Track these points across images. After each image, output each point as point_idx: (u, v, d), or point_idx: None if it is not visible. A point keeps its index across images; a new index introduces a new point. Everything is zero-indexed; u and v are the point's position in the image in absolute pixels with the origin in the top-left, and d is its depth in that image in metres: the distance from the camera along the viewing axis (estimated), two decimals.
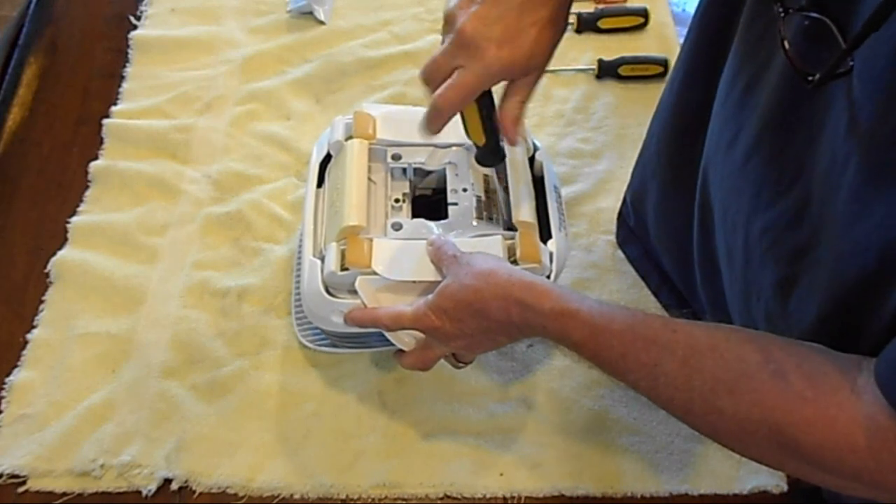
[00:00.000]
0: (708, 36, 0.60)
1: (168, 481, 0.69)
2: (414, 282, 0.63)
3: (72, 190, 0.85)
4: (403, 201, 0.70)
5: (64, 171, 0.87)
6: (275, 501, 0.68)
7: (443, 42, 0.57)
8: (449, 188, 0.69)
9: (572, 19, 1.02)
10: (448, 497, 0.69)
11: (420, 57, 0.99)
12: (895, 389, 0.39)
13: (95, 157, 0.87)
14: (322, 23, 1.01)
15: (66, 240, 0.81)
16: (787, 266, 0.52)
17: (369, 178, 0.68)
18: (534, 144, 0.73)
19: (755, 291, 0.57)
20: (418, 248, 0.64)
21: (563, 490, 0.69)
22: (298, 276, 0.72)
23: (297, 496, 0.69)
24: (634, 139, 0.74)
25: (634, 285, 0.82)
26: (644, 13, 1.02)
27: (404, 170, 0.71)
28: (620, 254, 0.84)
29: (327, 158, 0.72)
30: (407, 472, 0.70)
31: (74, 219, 0.82)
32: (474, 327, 0.58)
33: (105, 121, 0.90)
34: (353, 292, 0.63)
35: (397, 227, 0.66)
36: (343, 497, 0.69)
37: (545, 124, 0.94)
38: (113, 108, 0.92)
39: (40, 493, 0.67)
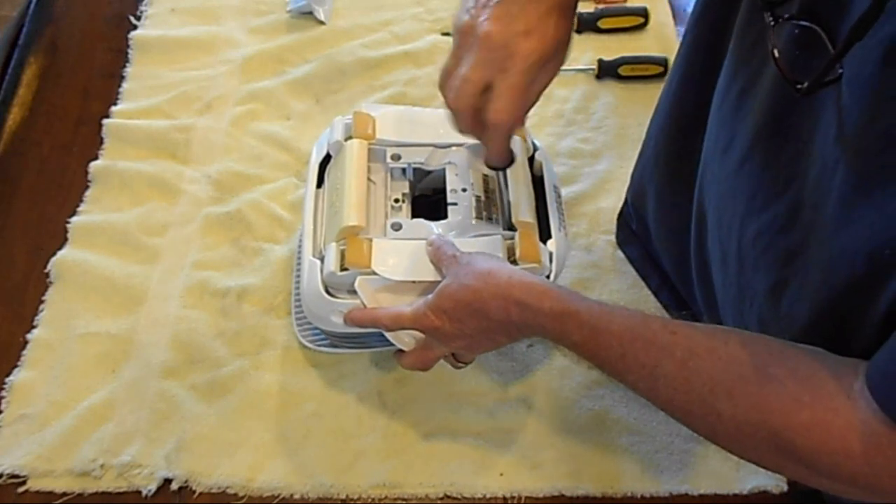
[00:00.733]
0: (704, 40, 0.60)
1: (168, 481, 0.69)
2: (413, 282, 0.63)
3: (72, 190, 0.85)
4: (403, 201, 0.70)
5: (64, 171, 0.87)
6: (275, 501, 0.68)
7: (458, 57, 0.55)
8: (448, 188, 0.69)
9: None
10: (448, 497, 0.69)
11: (420, 57, 0.99)
12: (886, 395, 0.40)
13: (95, 157, 0.87)
14: (322, 23, 1.01)
15: (66, 240, 0.81)
16: (779, 270, 0.52)
17: (369, 179, 0.68)
18: (534, 144, 0.73)
19: (748, 296, 0.57)
20: (418, 248, 0.64)
21: (563, 490, 0.69)
22: (298, 276, 0.72)
23: (297, 496, 0.69)
24: (634, 139, 0.74)
25: (634, 285, 0.82)
26: (644, 13, 1.02)
27: (404, 170, 0.71)
28: (620, 254, 0.84)
29: (327, 158, 0.72)
30: (407, 472, 0.70)
31: (74, 219, 0.82)
32: (474, 327, 0.58)
33: (105, 121, 0.90)
34: (353, 292, 0.63)
35: (397, 227, 0.66)
36: (343, 497, 0.69)
37: (545, 124, 0.94)
38: (113, 108, 0.92)
39: (40, 493, 0.67)
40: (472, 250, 0.62)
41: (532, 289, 0.55)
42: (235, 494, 0.68)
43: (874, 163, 0.41)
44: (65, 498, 0.67)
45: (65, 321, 0.76)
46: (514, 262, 0.64)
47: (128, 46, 0.97)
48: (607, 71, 0.98)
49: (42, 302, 0.77)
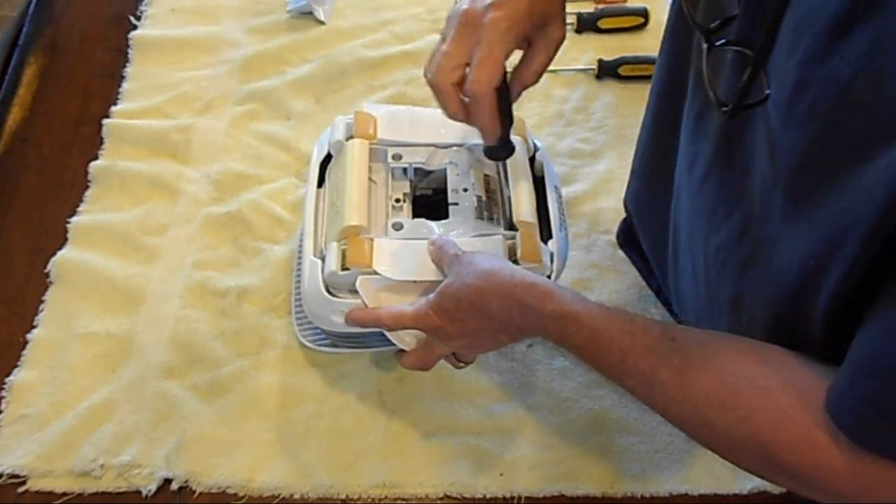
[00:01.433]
0: (675, 57, 0.61)
1: (168, 481, 0.69)
2: (415, 281, 0.63)
3: (72, 190, 0.85)
4: (404, 201, 0.70)
5: (64, 171, 0.87)
6: (275, 501, 0.68)
7: (442, 40, 0.56)
8: (450, 188, 0.69)
9: (572, 19, 1.03)
10: (448, 497, 0.69)
11: (420, 57, 0.99)
12: (850, 424, 0.40)
13: (95, 157, 0.87)
14: (322, 23, 1.01)
15: (66, 240, 0.81)
16: (735, 282, 0.54)
17: (370, 178, 0.68)
18: (534, 144, 0.73)
19: (716, 307, 0.58)
20: (419, 247, 0.64)
21: (563, 490, 0.69)
22: (298, 276, 0.72)
23: (297, 496, 0.69)
24: (634, 139, 0.74)
25: (634, 285, 0.82)
26: (644, 13, 1.02)
27: (405, 170, 0.71)
28: (620, 254, 0.84)
29: (328, 158, 0.72)
30: (407, 472, 0.70)
31: (74, 219, 0.82)
32: (475, 327, 0.58)
33: (105, 121, 0.90)
34: (354, 292, 0.63)
35: (398, 226, 0.66)
36: (343, 497, 0.69)
37: (545, 124, 0.94)
38: (113, 108, 0.91)
39: (40, 493, 0.67)
40: (473, 250, 0.62)
41: (534, 289, 0.55)
42: (235, 494, 0.68)
43: (802, 180, 0.42)
44: (65, 498, 0.67)
45: (65, 321, 0.76)
46: (515, 262, 0.64)
47: (128, 46, 0.97)
48: (607, 71, 0.98)
49: (42, 302, 0.77)
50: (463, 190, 0.69)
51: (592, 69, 0.98)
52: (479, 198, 0.69)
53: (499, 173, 0.71)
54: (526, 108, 0.95)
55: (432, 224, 0.67)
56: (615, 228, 0.85)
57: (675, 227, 0.66)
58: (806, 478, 0.43)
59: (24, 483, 0.68)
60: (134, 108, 0.92)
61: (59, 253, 0.80)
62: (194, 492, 0.68)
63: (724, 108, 0.45)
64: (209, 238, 0.82)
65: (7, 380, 0.73)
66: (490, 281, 0.56)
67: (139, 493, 0.68)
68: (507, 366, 0.76)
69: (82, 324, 0.76)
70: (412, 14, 1.03)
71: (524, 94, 0.97)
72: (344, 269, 0.63)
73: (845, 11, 0.37)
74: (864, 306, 0.40)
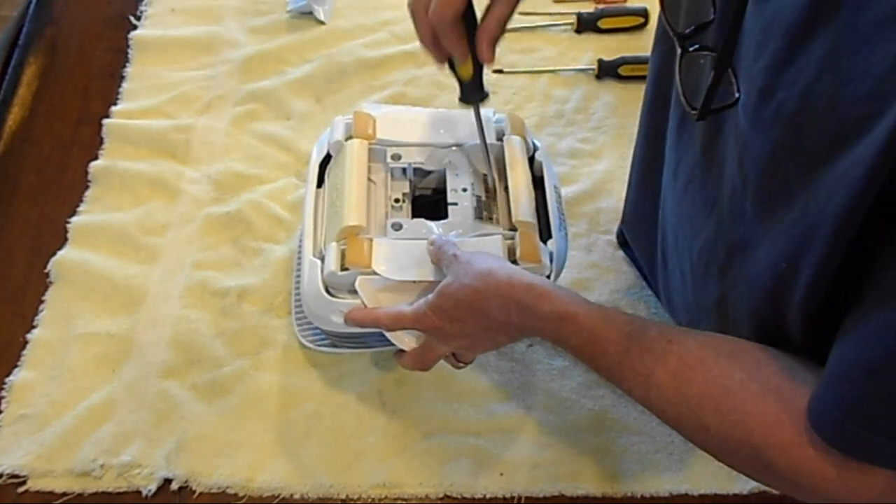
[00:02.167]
0: (662, 63, 0.62)
1: (168, 481, 0.69)
2: (414, 282, 0.63)
3: (72, 190, 0.85)
4: (403, 201, 0.70)
5: (64, 171, 0.87)
6: (275, 501, 0.68)
7: None
8: (449, 188, 0.69)
9: (572, 19, 1.03)
10: (448, 497, 0.69)
11: (420, 57, 0.98)
12: (832, 434, 0.40)
13: (95, 157, 0.87)
14: (322, 23, 1.01)
15: (66, 240, 0.81)
16: (718, 285, 0.54)
17: (369, 178, 0.69)
18: (534, 144, 0.73)
19: (704, 311, 0.59)
20: (418, 247, 0.64)
21: (563, 490, 0.69)
22: (298, 276, 0.72)
23: (297, 496, 0.69)
24: (634, 139, 0.74)
25: (634, 285, 0.82)
26: (644, 13, 1.02)
27: (404, 170, 0.71)
28: (620, 254, 0.84)
29: (327, 158, 0.72)
30: (407, 472, 0.70)
31: (74, 219, 0.82)
32: (474, 327, 0.58)
33: (105, 121, 0.90)
34: (354, 292, 0.63)
35: (397, 227, 0.66)
36: (343, 497, 0.69)
37: (545, 124, 0.94)
38: (113, 108, 0.92)
39: (40, 493, 0.67)
40: (472, 250, 0.62)
41: (532, 290, 0.55)
42: (235, 494, 0.68)
43: (770, 184, 0.43)
44: (65, 498, 0.67)
45: (65, 321, 0.76)
46: (514, 262, 0.64)
47: (128, 46, 0.97)
48: (607, 71, 0.98)
49: (42, 302, 0.77)
50: (462, 190, 0.69)
51: (592, 69, 0.98)
52: (478, 198, 0.69)
53: (498, 173, 0.71)
54: (526, 108, 0.95)
55: (431, 224, 0.67)
56: (615, 228, 0.85)
57: (663, 231, 0.67)
58: (799, 482, 0.43)
59: (24, 483, 0.68)
60: (134, 108, 0.92)
61: (59, 253, 0.80)
62: (194, 492, 0.68)
63: (693, 111, 0.46)
64: (209, 238, 0.82)
65: (7, 380, 0.73)
66: (488, 281, 0.56)
67: (139, 493, 0.68)
68: (507, 366, 0.76)
69: (82, 324, 0.76)
70: None
71: (524, 94, 0.98)
72: (343, 269, 0.63)
73: (806, 17, 0.38)
74: (839, 314, 0.40)
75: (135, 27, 0.99)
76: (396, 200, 0.70)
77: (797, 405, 0.43)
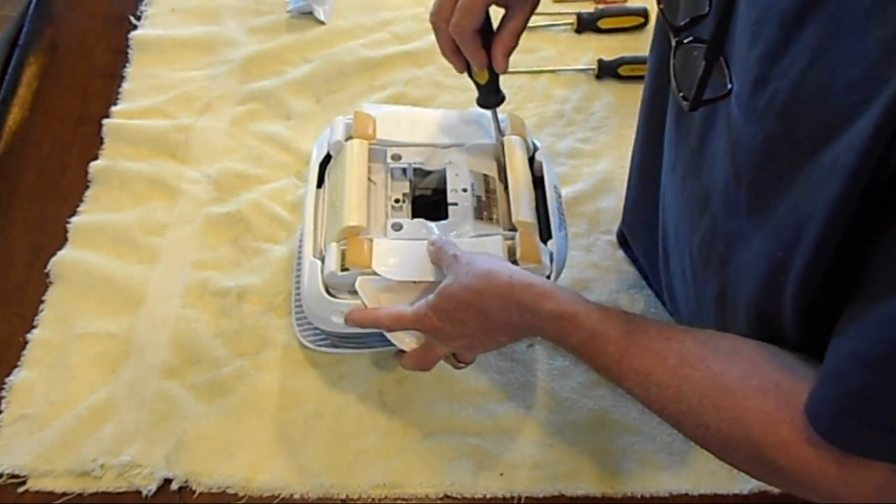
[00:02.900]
0: (661, 59, 0.62)
1: (168, 481, 0.69)
2: (414, 282, 0.63)
3: (72, 190, 0.85)
4: (403, 201, 0.70)
5: (64, 171, 0.87)
6: (275, 501, 0.68)
7: None
8: (449, 188, 0.69)
9: (572, 19, 1.03)
10: (448, 497, 0.69)
11: (420, 57, 0.99)
12: (831, 431, 0.40)
13: (95, 157, 0.87)
14: (322, 23, 1.01)
15: (66, 240, 0.81)
16: (718, 279, 0.54)
17: (369, 179, 0.68)
18: (534, 144, 0.73)
19: (705, 307, 0.59)
20: (419, 248, 0.64)
21: (563, 490, 0.69)
22: (298, 276, 0.72)
23: (297, 496, 0.69)
24: (633, 139, 0.74)
25: (634, 285, 0.82)
26: (644, 13, 1.02)
27: (404, 170, 0.71)
28: (620, 254, 0.84)
29: (327, 159, 0.72)
30: (407, 472, 0.70)
31: (74, 219, 0.82)
32: (475, 328, 0.58)
33: (105, 121, 0.90)
34: (354, 293, 0.63)
35: (397, 227, 0.66)
36: (343, 497, 0.69)
37: (545, 124, 0.94)
38: (113, 108, 0.91)
39: (40, 493, 0.67)
40: (472, 250, 0.62)
41: (532, 290, 0.55)
42: (235, 494, 0.68)
43: (763, 174, 0.43)
44: (65, 498, 0.67)
45: (65, 321, 0.76)
46: (514, 263, 0.64)
47: (128, 46, 0.97)
48: (607, 71, 0.98)
49: (42, 302, 0.77)
50: (462, 190, 0.69)
51: (592, 69, 0.98)
52: (478, 198, 0.69)
53: (498, 173, 0.71)
54: (526, 109, 0.95)
55: (432, 224, 0.67)
56: (615, 228, 0.85)
57: (663, 228, 0.67)
58: (799, 480, 0.43)
59: (24, 483, 0.68)
60: (134, 108, 0.92)
61: (59, 253, 0.80)
62: (194, 492, 0.68)
63: (686, 102, 0.46)
64: (209, 238, 0.82)
65: (7, 380, 0.73)
66: (489, 282, 0.56)
67: (139, 493, 0.68)
68: (507, 366, 0.76)
69: (82, 324, 0.76)
70: (412, 14, 1.03)
71: (524, 94, 0.98)
72: (343, 269, 0.63)
73: (800, 6, 0.38)
74: (834, 308, 0.41)
75: (135, 27, 0.99)
76: (397, 201, 0.70)
77: (796, 402, 0.43)
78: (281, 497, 0.68)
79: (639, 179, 0.74)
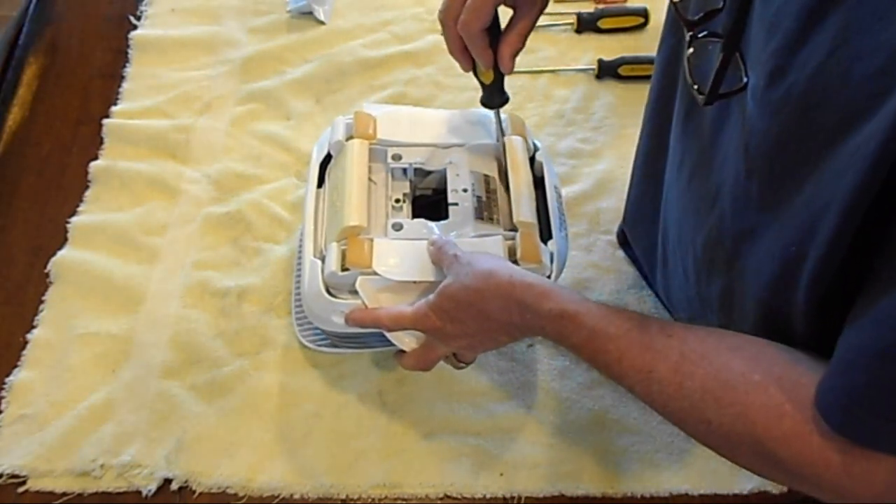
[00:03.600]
0: (669, 56, 0.62)
1: (168, 481, 0.69)
2: (415, 282, 0.63)
3: (72, 190, 0.85)
4: (404, 201, 0.70)
5: (64, 171, 0.87)
6: (275, 501, 0.68)
7: None
8: (449, 188, 0.69)
9: (572, 19, 1.03)
10: (448, 497, 0.69)
11: (420, 57, 0.99)
12: (840, 421, 0.40)
13: (95, 157, 0.87)
14: (322, 23, 1.01)
15: (66, 240, 0.81)
16: (724, 277, 0.54)
17: (370, 179, 0.68)
18: (534, 144, 0.73)
19: (708, 306, 0.59)
20: (419, 248, 0.64)
21: (563, 490, 0.69)
22: (299, 276, 0.72)
23: (297, 496, 0.69)
24: (634, 139, 0.74)
25: (634, 285, 0.82)
26: (644, 13, 1.02)
27: (405, 170, 0.71)
28: (620, 254, 0.84)
29: (328, 158, 0.72)
30: (407, 472, 0.70)
31: (74, 219, 0.82)
32: (475, 328, 0.58)
33: (105, 121, 0.90)
34: (354, 292, 0.63)
35: (398, 227, 0.66)
36: (343, 497, 0.69)
37: (545, 124, 0.94)
38: (113, 108, 0.91)
39: (40, 493, 0.67)
40: (473, 250, 0.62)
41: (532, 289, 0.55)
42: (235, 494, 0.68)
43: (777, 167, 0.43)
44: (65, 498, 0.67)
45: (65, 321, 0.76)
46: (515, 263, 0.64)
47: (128, 46, 0.97)
48: (607, 71, 0.98)
49: (42, 302, 0.77)
50: (463, 190, 0.69)
51: (592, 69, 0.98)
52: (478, 198, 0.69)
53: (499, 173, 0.71)
54: (526, 108, 0.95)
55: (432, 224, 0.67)
56: (615, 228, 0.85)
57: (664, 228, 0.67)
58: (803, 474, 0.43)
59: (24, 483, 0.68)
60: (134, 108, 0.92)
61: (59, 253, 0.80)
62: (194, 492, 0.68)
63: (701, 96, 0.46)
64: (209, 238, 0.82)
65: (7, 380, 0.73)
66: (489, 281, 0.56)
67: (139, 493, 0.68)
68: (507, 366, 0.76)
69: (82, 324, 0.76)
70: (412, 14, 1.03)
71: (524, 94, 0.98)
72: (344, 269, 0.63)
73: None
74: (845, 303, 0.40)
75: (135, 27, 0.99)
76: (397, 201, 0.70)
77: (800, 395, 0.43)
78: (281, 497, 0.68)
79: (642, 177, 0.74)
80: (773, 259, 0.45)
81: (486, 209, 0.68)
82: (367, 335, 0.67)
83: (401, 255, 0.64)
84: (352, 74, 0.97)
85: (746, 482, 0.70)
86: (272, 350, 0.76)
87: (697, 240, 0.57)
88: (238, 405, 0.73)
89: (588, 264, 0.83)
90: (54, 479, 0.68)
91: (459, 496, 0.69)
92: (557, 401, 0.74)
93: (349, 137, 0.70)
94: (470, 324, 0.58)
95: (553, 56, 1.00)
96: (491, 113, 0.71)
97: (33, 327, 0.76)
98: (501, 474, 0.70)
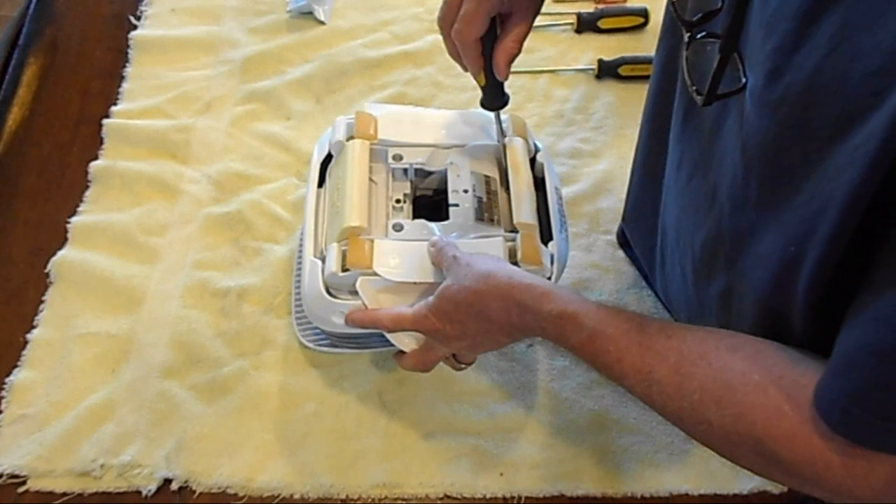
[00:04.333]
0: (668, 57, 0.62)
1: (168, 481, 0.69)
2: (415, 283, 0.63)
3: (72, 190, 0.85)
4: (404, 202, 0.70)
5: (64, 171, 0.87)
6: (275, 501, 0.68)
7: None
8: (450, 189, 0.69)
9: (572, 19, 1.03)
10: (448, 497, 0.69)
11: (420, 57, 0.99)
12: (832, 414, 0.40)
13: (95, 157, 0.87)
14: (322, 23, 1.01)
15: (66, 240, 0.81)
16: (724, 277, 0.54)
17: (370, 179, 0.68)
18: (535, 145, 0.73)
19: (707, 306, 0.59)
20: (419, 249, 0.64)
21: (563, 490, 0.69)
22: (299, 276, 0.72)
23: (297, 496, 0.69)
24: (634, 139, 0.74)
25: (634, 285, 0.82)
26: (644, 13, 1.02)
27: (405, 170, 0.71)
28: (620, 254, 0.84)
29: (328, 158, 0.72)
30: (407, 472, 0.70)
31: (74, 219, 0.82)
32: (475, 329, 0.58)
33: (105, 121, 0.90)
34: (354, 293, 0.63)
35: (398, 227, 0.66)
36: (343, 497, 0.69)
37: (545, 124, 0.94)
38: (113, 108, 0.91)
39: (40, 493, 0.67)
40: (473, 251, 0.62)
41: (532, 290, 0.55)
42: (235, 494, 0.68)
43: (776, 167, 0.43)
44: (65, 498, 0.67)
45: (65, 321, 0.76)
46: (515, 264, 0.64)
47: (128, 46, 0.97)
48: (607, 71, 0.98)
49: (42, 302, 0.77)
50: (463, 191, 0.69)
51: (592, 69, 0.98)
52: (479, 199, 0.69)
53: (499, 174, 0.71)
54: (526, 108, 0.95)
55: (432, 225, 0.67)
56: (615, 228, 0.85)
57: (663, 228, 0.67)
58: (803, 474, 0.43)
59: (24, 483, 0.68)
60: (134, 108, 0.92)
61: (59, 253, 0.80)
62: (194, 492, 0.68)
63: (699, 97, 0.46)
64: (209, 238, 0.82)
65: (7, 380, 0.73)
66: (488, 283, 0.56)
67: (139, 493, 0.68)
68: (507, 366, 0.76)
69: (82, 324, 0.76)
70: (412, 14, 1.03)
71: (524, 94, 0.98)
72: (344, 269, 0.63)
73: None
74: (844, 303, 0.40)
75: (135, 27, 0.99)
76: (398, 201, 0.70)
77: (800, 394, 0.43)
78: (281, 497, 0.68)
79: (641, 178, 0.74)
80: (771, 259, 0.45)
81: (487, 210, 0.68)
82: (367, 335, 0.67)
83: (401, 256, 0.64)
84: (352, 74, 0.97)
85: (746, 482, 0.70)
86: (272, 350, 0.76)
87: (696, 239, 0.57)
88: (238, 405, 0.73)
89: (588, 264, 0.83)
90: (54, 479, 0.68)
91: (459, 496, 0.69)
92: (557, 401, 0.74)
93: (350, 137, 0.70)
94: (469, 325, 0.58)
95: (553, 56, 1.00)
96: (492, 114, 0.71)
97: (33, 327, 0.76)
98: (501, 474, 0.70)
